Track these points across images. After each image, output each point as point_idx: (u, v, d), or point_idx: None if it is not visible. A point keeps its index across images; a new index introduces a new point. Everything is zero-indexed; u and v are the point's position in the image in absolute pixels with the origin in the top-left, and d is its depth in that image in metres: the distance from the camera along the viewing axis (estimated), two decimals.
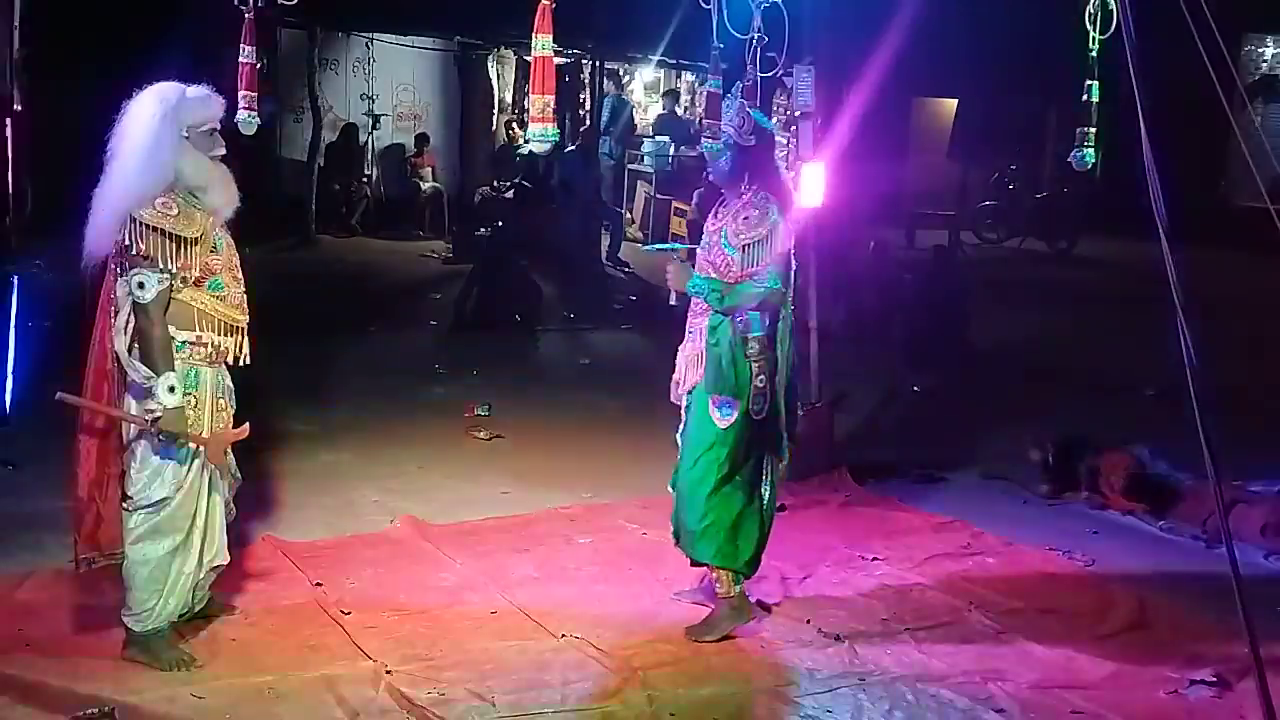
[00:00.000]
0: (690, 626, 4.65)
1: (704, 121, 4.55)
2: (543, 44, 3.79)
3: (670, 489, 4.80)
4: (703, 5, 4.25)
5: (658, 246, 4.77)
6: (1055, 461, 6.66)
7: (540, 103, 3.83)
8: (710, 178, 4.77)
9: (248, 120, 4.70)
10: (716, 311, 4.53)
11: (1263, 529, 5.87)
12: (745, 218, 4.52)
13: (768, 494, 4.67)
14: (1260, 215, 4.24)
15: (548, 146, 3.88)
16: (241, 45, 4.74)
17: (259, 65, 4.49)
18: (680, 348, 4.75)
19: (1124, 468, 6.53)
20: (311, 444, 7.10)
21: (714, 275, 4.55)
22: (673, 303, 4.78)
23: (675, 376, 4.77)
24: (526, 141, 14.18)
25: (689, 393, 4.67)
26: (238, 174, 4.24)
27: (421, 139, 16.38)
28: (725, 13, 4.21)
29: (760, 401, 4.49)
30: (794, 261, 4.66)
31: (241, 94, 4.69)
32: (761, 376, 4.49)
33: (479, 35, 16.16)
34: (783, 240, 4.49)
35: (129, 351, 4.00)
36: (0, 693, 3.90)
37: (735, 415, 4.49)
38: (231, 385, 4.31)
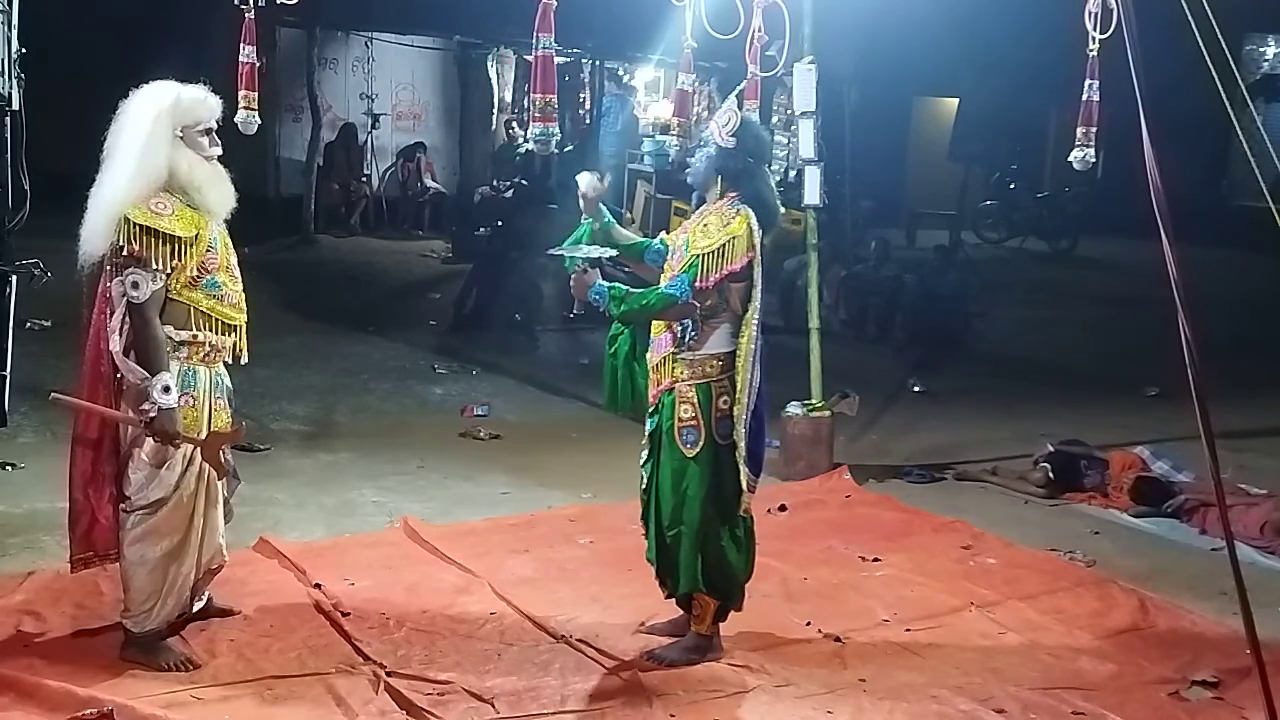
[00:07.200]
0: (652, 651, 4.42)
1: (672, 119, 4.45)
2: (545, 43, 3.78)
3: (641, 522, 4.53)
4: (675, 2, 4.22)
5: (560, 251, 4.33)
6: (1055, 475, 6.65)
7: (541, 102, 3.82)
8: (687, 178, 4.49)
9: (248, 121, 4.70)
10: (615, 319, 4.24)
11: (1261, 528, 5.87)
12: (705, 225, 4.24)
13: (745, 523, 4.40)
14: (1262, 214, 4.24)
15: (549, 146, 3.85)
16: (241, 45, 4.73)
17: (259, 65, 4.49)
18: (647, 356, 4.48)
19: (1134, 468, 6.55)
20: (311, 444, 7.09)
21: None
22: (573, 313, 4.43)
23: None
24: (526, 141, 14.20)
25: (652, 415, 4.39)
26: (234, 173, 4.22)
27: (412, 148, 16.14)
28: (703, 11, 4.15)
29: (726, 426, 4.25)
30: (755, 278, 4.24)
31: (241, 94, 4.68)
32: (725, 398, 4.24)
33: (479, 34, 16.15)
34: (740, 255, 4.15)
35: (124, 352, 3.98)
36: (0, 693, 3.89)
37: (701, 442, 4.23)
38: (230, 385, 4.30)
